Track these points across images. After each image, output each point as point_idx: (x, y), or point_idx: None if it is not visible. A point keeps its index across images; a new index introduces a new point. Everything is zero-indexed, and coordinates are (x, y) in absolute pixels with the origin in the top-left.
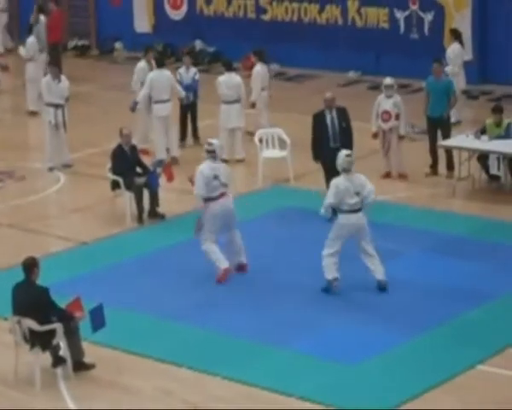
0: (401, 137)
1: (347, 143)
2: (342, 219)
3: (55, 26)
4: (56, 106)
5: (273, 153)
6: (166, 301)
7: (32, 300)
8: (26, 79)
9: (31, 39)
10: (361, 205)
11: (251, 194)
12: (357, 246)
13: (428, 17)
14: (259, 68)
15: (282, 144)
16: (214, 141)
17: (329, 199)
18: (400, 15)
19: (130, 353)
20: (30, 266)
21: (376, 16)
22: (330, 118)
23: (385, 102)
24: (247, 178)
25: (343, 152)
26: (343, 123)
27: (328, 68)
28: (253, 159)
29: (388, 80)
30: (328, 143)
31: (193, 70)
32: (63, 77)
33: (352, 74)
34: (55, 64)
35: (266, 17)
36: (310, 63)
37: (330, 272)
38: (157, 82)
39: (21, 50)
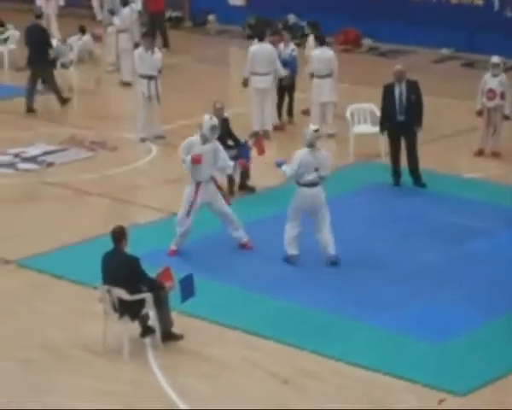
0: (506, 118)
1: (416, 116)
2: (300, 192)
3: None
4: (149, 77)
5: (365, 128)
6: (255, 273)
7: (123, 269)
8: (119, 50)
9: (126, 10)
10: (318, 180)
11: (342, 170)
12: (314, 222)
13: None
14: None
15: (374, 120)
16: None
17: (291, 171)
18: None
19: (218, 324)
20: (119, 235)
21: None
22: (399, 91)
23: (491, 81)
24: (337, 153)
25: (311, 127)
26: (412, 96)
27: (421, 44)
28: (345, 134)
29: (495, 59)
30: (396, 115)
31: (291, 46)
32: (156, 48)
33: (445, 51)
34: (149, 35)
35: None
36: (403, 39)
37: (289, 249)
38: (257, 55)
39: (116, 21)
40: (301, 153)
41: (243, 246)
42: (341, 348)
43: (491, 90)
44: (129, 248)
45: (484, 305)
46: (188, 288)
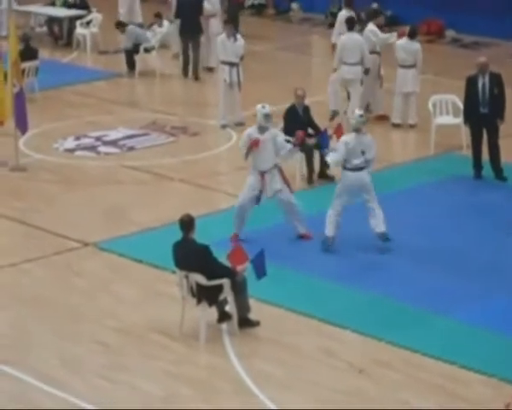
0: None
1: (498, 109)
2: (346, 176)
3: None
4: (231, 64)
5: (447, 119)
6: (332, 262)
7: (194, 258)
8: (209, 35)
9: None
10: (365, 164)
11: (423, 160)
12: (364, 204)
13: None
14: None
15: (456, 111)
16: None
17: (339, 156)
18: None
19: (294, 312)
20: (187, 224)
21: None
22: (482, 83)
23: None
24: (419, 144)
25: (357, 112)
26: (495, 89)
27: (505, 37)
28: (427, 125)
29: None
30: (478, 107)
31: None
32: (238, 35)
33: None
34: (231, 22)
35: None
36: (486, 31)
37: (328, 230)
38: (346, 45)
39: (206, 5)
40: (347, 138)
41: (302, 236)
42: (418, 340)
43: None
44: (209, 234)
45: None
46: (261, 266)
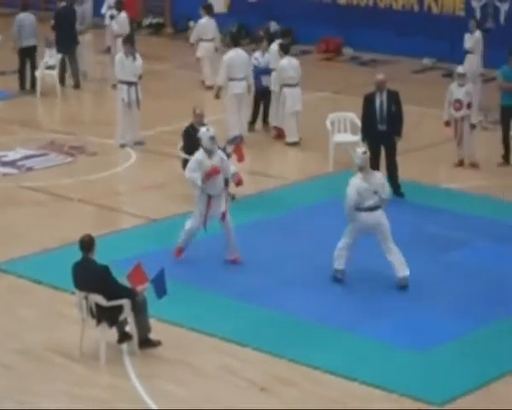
0: (473, 126)
1: (396, 126)
2: (360, 217)
3: (130, 2)
4: (129, 83)
5: (345, 137)
6: (233, 280)
7: (94, 279)
8: (115, 54)
9: (123, 15)
10: (379, 203)
11: (321, 178)
12: (379, 244)
13: (505, 7)
14: (205, 21)
15: (355, 128)
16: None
17: (350, 202)
18: (476, 4)
19: (195, 331)
20: (87, 244)
21: (452, 4)
22: (380, 100)
23: (457, 91)
24: (317, 162)
25: (359, 149)
26: (393, 106)
27: (403, 54)
28: (325, 143)
29: (461, 69)
30: (376, 124)
31: (268, 55)
32: (137, 55)
33: (426, 61)
34: (129, 41)
35: (342, 1)
36: (384, 48)
37: (337, 263)
38: (234, 61)
39: (114, 25)
40: (355, 181)
41: (233, 261)
42: (319, 357)
43: (457, 101)
44: (109, 254)
45: (464, 315)
46: (161, 285)
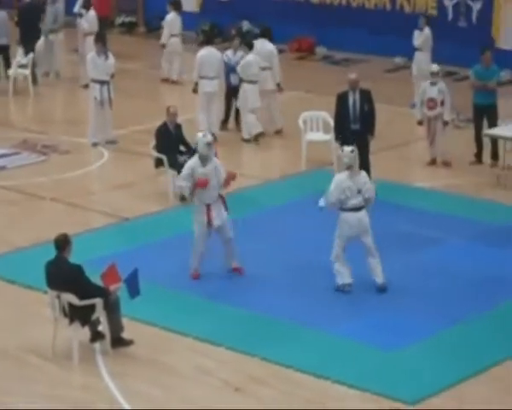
0: (445, 123)
1: (369, 125)
2: (344, 218)
3: (103, 1)
4: (102, 82)
5: (317, 136)
6: (206, 280)
7: (67, 278)
8: (83, 53)
9: (92, 13)
10: (363, 203)
11: (293, 177)
12: (362, 245)
13: (477, 6)
14: (172, 16)
15: (327, 127)
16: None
17: (332, 197)
18: (449, 3)
19: (168, 330)
20: (62, 243)
21: (425, 3)
22: (353, 99)
23: (430, 90)
24: (289, 160)
25: (347, 148)
26: (365, 105)
27: (375, 53)
28: (297, 141)
29: (434, 67)
30: (349, 124)
31: (239, 53)
32: (109, 53)
33: (398, 60)
34: (101, 40)
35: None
36: (357, 47)
37: (341, 278)
38: (205, 59)
39: (84, 24)
40: (340, 178)
41: (235, 270)
42: (293, 356)
43: (431, 100)
44: (81, 254)
45: (437, 314)
46: (134, 285)
